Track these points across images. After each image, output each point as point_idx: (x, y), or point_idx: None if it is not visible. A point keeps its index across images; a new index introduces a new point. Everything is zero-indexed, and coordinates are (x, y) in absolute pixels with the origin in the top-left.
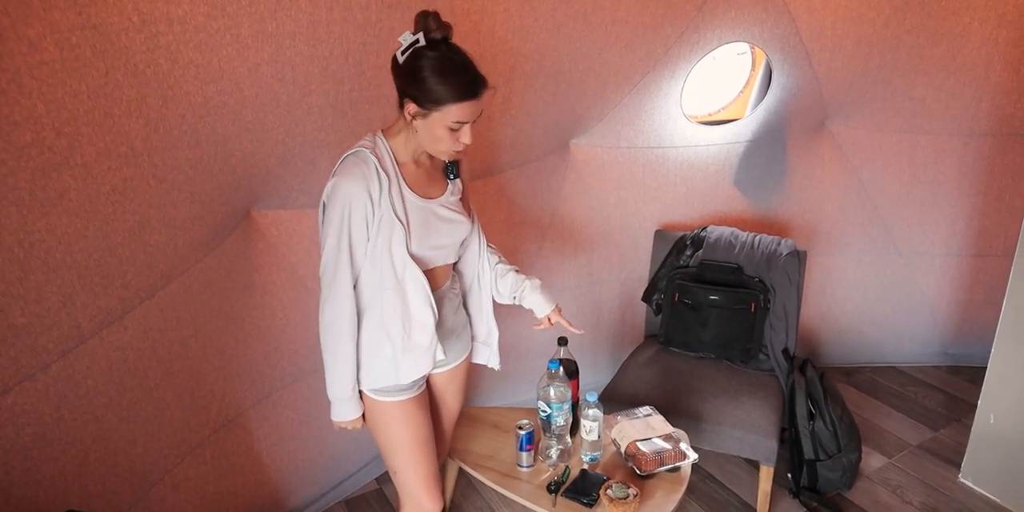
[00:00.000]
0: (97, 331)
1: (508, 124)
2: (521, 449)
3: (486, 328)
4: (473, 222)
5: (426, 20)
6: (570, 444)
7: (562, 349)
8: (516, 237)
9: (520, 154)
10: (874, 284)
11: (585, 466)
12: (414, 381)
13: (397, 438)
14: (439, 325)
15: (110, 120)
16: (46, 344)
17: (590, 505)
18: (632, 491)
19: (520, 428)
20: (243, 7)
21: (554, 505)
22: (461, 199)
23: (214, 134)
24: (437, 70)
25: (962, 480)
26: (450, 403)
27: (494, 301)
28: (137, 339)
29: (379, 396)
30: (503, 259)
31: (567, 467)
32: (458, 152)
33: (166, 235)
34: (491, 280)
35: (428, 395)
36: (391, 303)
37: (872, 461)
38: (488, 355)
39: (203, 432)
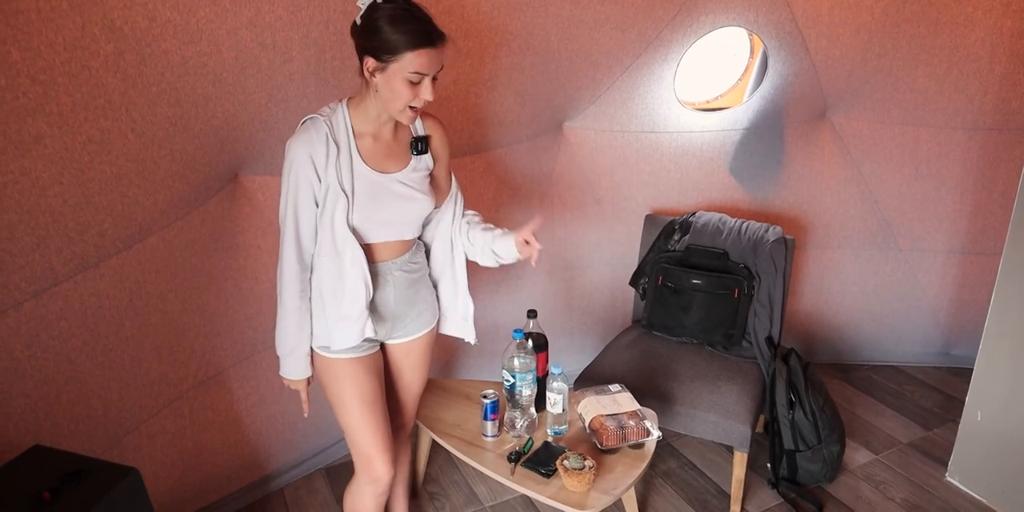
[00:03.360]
0: (71, 275)
1: (496, 101)
2: (485, 418)
3: (463, 302)
4: (448, 197)
5: None
6: (535, 416)
7: (531, 322)
8: (505, 216)
9: (510, 133)
10: (873, 280)
11: (549, 439)
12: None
13: (342, 395)
14: (380, 301)
15: (87, 72)
16: (18, 282)
17: (548, 476)
18: (588, 463)
19: (484, 397)
20: None
21: (512, 474)
22: (431, 175)
23: (195, 94)
24: (393, 20)
25: (949, 479)
26: (408, 376)
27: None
28: (113, 287)
29: (325, 352)
30: (476, 221)
31: (530, 439)
32: (416, 111)
33: (145, 189)
34: (466, 243)
35: (383, 362)
36: (326, 270)
37: (858, 456)
38: (465, 329)
39: (182, 386)
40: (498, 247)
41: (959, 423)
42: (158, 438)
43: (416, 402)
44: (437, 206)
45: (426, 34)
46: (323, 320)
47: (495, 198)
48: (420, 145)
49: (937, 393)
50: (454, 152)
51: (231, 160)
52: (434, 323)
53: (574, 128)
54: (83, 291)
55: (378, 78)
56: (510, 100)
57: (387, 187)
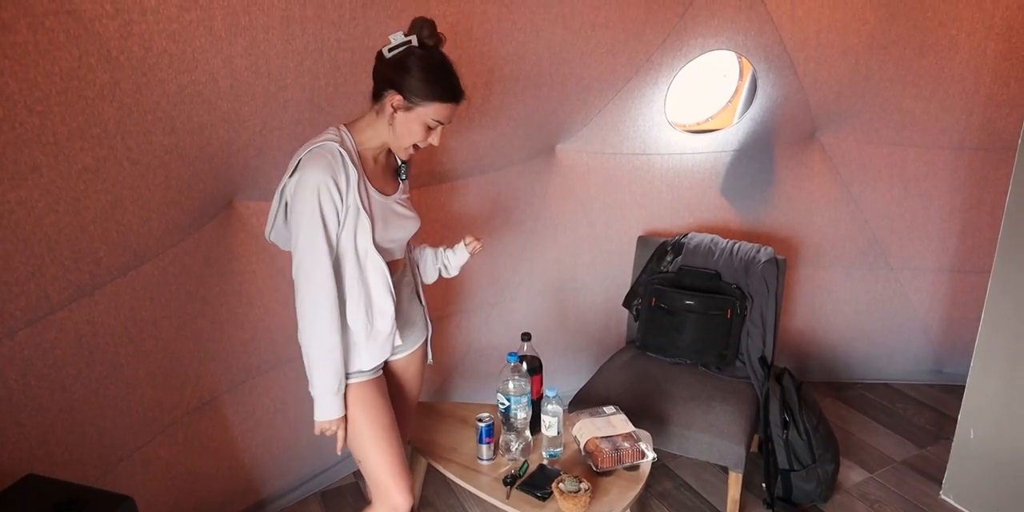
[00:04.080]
0: (66, 303)
1: (488, 126)
2: (481, 442)
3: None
4: None
5: (422, 26)
6: (530, 439)
7: (525, 345)
8: (498, 239)
9: (503, 156)
10: (864, 299)
11: (545, 462)
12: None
13: (358, 423)
14: (397, 312)
15: (83, 101)
16: (14, 311)
17: (543, 499)
18: (584, 486)
19: (480, 420)
20: (216, 0)
21: (507, 497)
22: (408, 198)
23: (190, 122)
24: (429, 68)
25: (943, 497)
26: (409, 387)
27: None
28: (107, 315)
29: None
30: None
31: (526, 462)
32: (416, 152)
33: (140, 217)
34: (420, 268)
35: (388, 382)
36: (354, 293)
37: (852, 475)
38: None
39: (176, 412)
40: (447, 256)
41: (952, 441)
42: (152, 465)
43: (412, 416)
44: None
45: (456, 91)
46: (349, 346)
47: (488, 222)
48: (405, 171)
49: (930, 410)
50: (447, 176)
51: (226, 186)
52: (425, 335)
53: (566, 151)
54: (78, 319)
55: (399, 115)
56: (503, 124)
57: (391, 207)
